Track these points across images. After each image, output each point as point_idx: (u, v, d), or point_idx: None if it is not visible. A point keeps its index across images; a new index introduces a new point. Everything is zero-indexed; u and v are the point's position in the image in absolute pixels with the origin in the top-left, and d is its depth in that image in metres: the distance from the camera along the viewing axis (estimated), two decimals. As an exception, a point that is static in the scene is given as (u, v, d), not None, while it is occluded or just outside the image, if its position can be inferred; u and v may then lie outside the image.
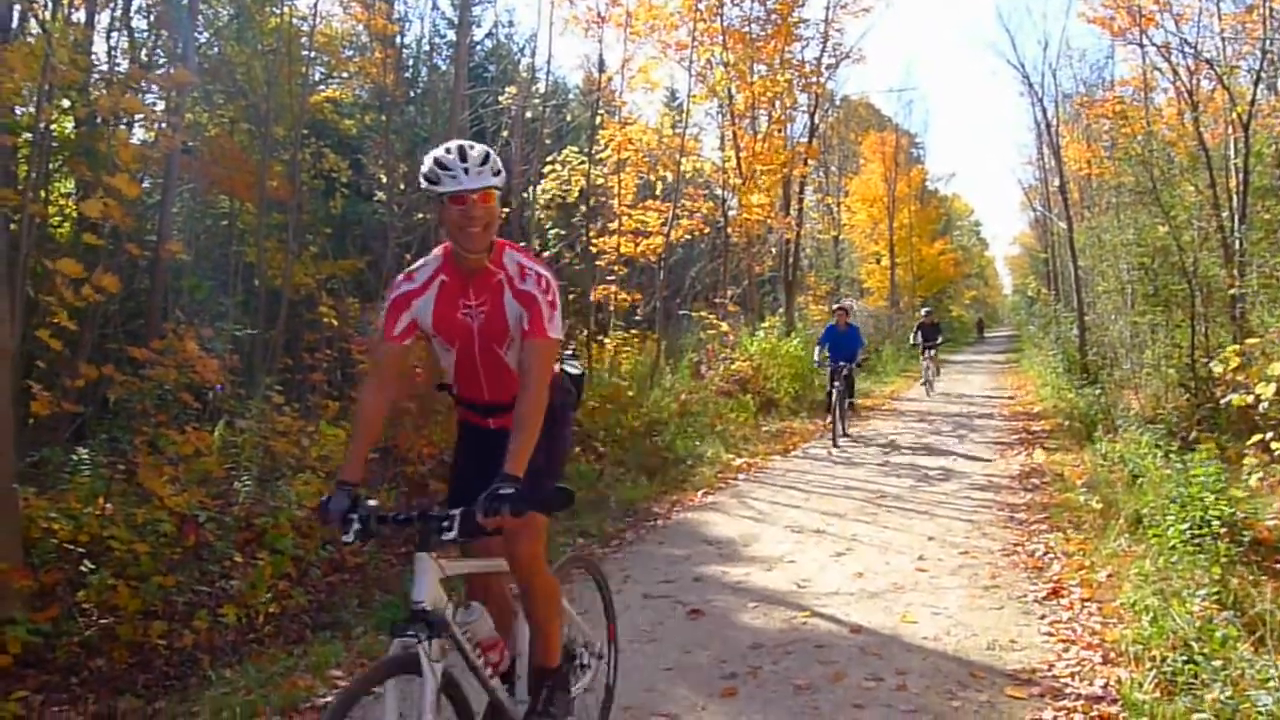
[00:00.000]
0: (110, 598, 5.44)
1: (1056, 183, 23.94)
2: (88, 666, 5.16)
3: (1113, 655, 4.75)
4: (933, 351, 20.79)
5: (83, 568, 5.66)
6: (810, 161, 24.69)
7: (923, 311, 23.24)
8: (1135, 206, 15.92)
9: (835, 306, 16.27)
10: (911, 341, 22.50)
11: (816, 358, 14.07)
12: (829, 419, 13.27)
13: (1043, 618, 5.45)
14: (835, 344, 13.78)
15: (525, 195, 18.54)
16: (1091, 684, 4.41)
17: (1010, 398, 20.35)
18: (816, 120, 24.23)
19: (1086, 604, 5.65)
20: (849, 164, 40.99)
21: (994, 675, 4.57)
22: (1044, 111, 22.72)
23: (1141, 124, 19.19)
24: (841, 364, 13.42)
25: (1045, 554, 6.88)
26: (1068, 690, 4.36)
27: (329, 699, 4.56)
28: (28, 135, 9.47)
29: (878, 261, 39.96)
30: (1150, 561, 5.85)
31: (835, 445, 12.64)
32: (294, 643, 5.63)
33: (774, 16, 19.60)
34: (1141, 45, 17.48)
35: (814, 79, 21.34)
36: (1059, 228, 25.16)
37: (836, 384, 13.22)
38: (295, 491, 6.98)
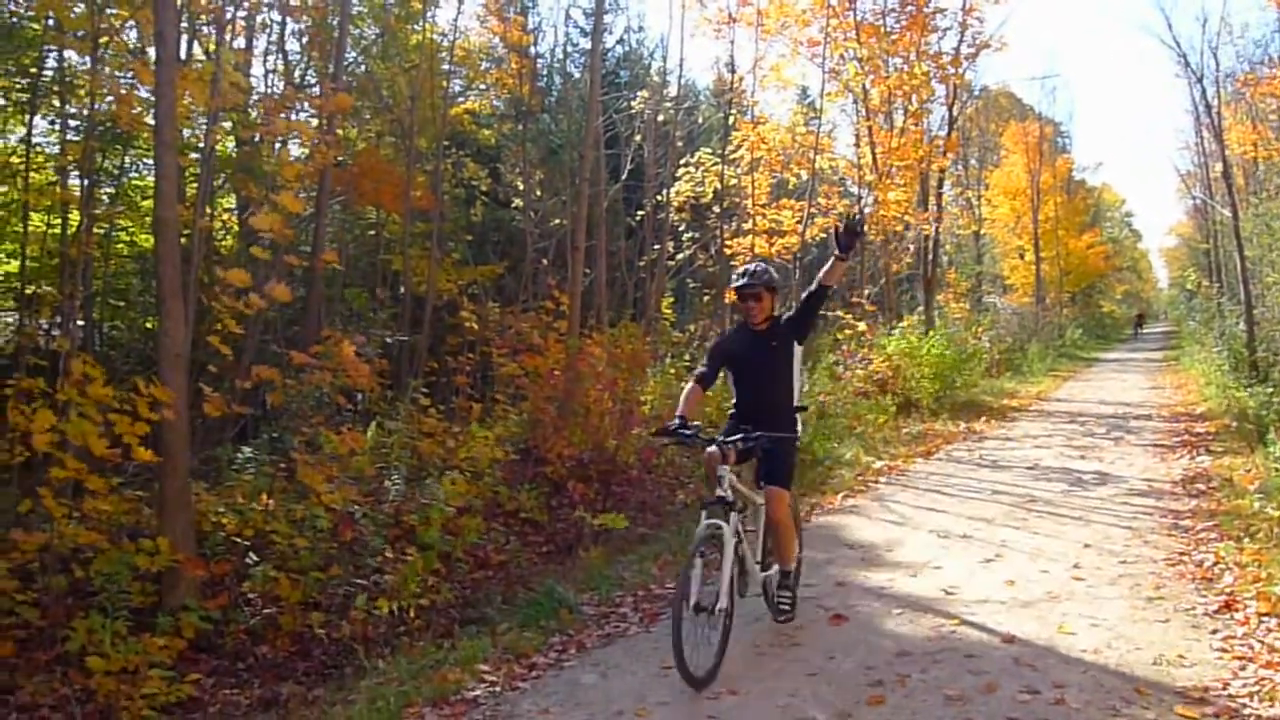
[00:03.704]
0: (273, 589, 5.74)
1: (1218, 168, 22.51)
2: (253, 653, 5.47)
3: (1297, 675, 4.43)
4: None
5: (248, 560, 6.00)
6: (949, 155, 23.96)
7: (739, 279, 5.38)
8: (1309, 191, 14.82)
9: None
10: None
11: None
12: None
13: (1214, 632, 5.12)
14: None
15: (659, 198, 18.66)
16: (1274, 705, 4.13)
17: (1169, 398, 19.28)
18: (955, 112, 23.50)
19: (1265, 619, 5.25)
20: (989, 156, 39.63)
21: (1161, 692, 4.32)
22: (1203, 93, 21.32)
23: (1315, 102, 17.88)
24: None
25: (1215, 564, 6.45)
26: (1246, 711, 4.09)
27: (477, 692, 4.71)
28: (195, 155, 10.12)
29: (1021, 256, 38.46)
30: (1337, 573, 5.44)
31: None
32: (442, 636, 5.80)
33: (909, 8, 19.11)
34: (1314, 18, 16.24)
35: (952, 70, 20.69)
36: (1222, 216, 23.67)
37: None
38: (443, 490, 7.21)
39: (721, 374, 5.38)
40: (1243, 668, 4.58)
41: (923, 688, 4.48)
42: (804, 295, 5.33)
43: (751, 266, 5.32)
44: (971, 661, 4.80)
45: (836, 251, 5.13)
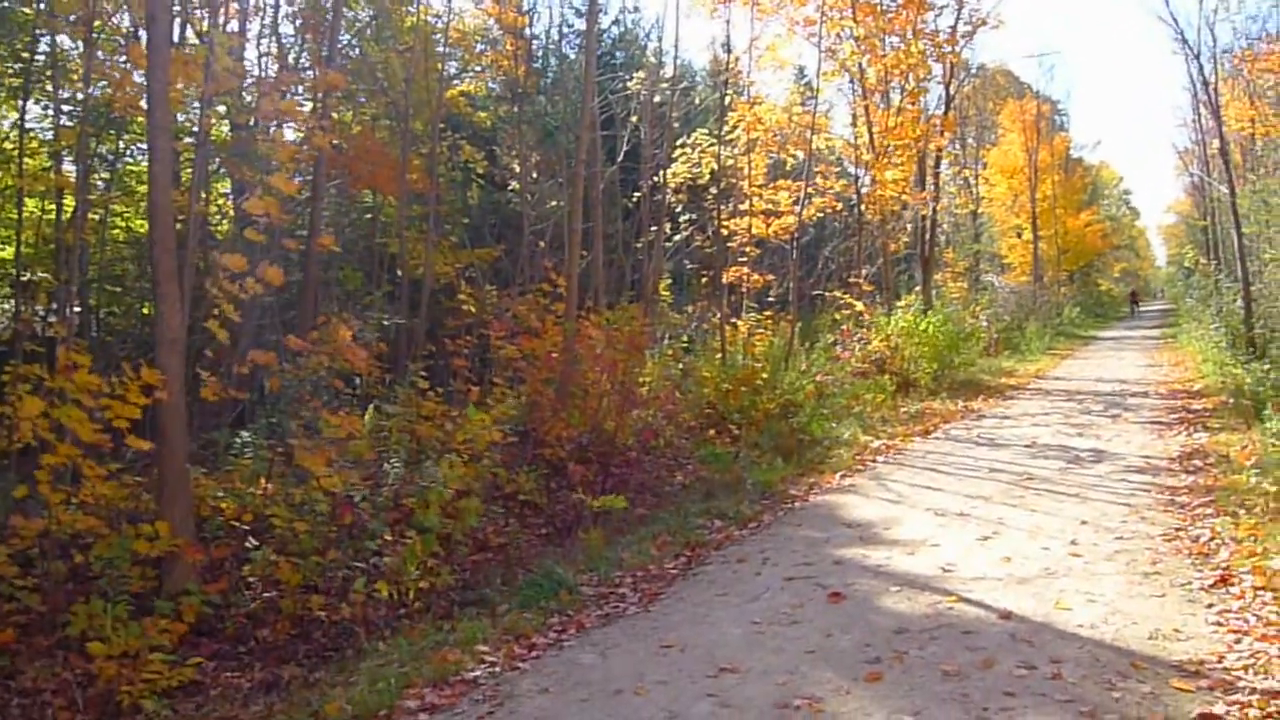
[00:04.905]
0: (273, 572, 5.76)
1: (1216, 144, 22.43)
2: (254, 637, 5.49)
3: (1292, 648, 4.46)
4: None
5: (247, 544, 6.01)
6: (946, 134, 23.88)
7: None
8: (1307, 167, 14.80)
9: None
10: None
11: None
12: None
13: (1210, 607, 5.15)
14: None
15: (656, 179, 18.61)
16: (1268, 678, 4.16)
17: (1166, 375, 19.29)
18: (952, 91, 23.42)
19: (1260, 593, 5.28)
20: (987, 135, 39.51)
21: (1157, 666, 4.35)
22: (1200, 69, 21.22)
23: (1313, 77, 17.83)
24: None
25: (1211, 539, 6.48)
26: (1240, 684, 4.11)
27: (476, 673, 4.73)
28: (189, 139, 10.07)
29: (1019, 235, 38.41)
30: (1332, 547, 5.47)
31: None
32: (442, 618, 5.83)
33: (906, -15, 19.00)
34: (1312, -8, 16.15)
35: (948, 48, 20.58)
36: (1219, 192, 23.64)
37: None
38: (441, 473, 7.22)
39: None
40: (1238, 641, 4.61)
41: (920, 664, 4.51)
42: None
43: None
44: (969, 638, 4.82)
45: None
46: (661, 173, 18.44)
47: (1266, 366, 13.73)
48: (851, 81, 20.46)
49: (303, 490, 6.34)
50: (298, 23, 15.43)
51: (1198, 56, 20.75)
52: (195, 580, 5.50)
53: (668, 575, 6.43)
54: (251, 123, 11.52)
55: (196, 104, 9.37)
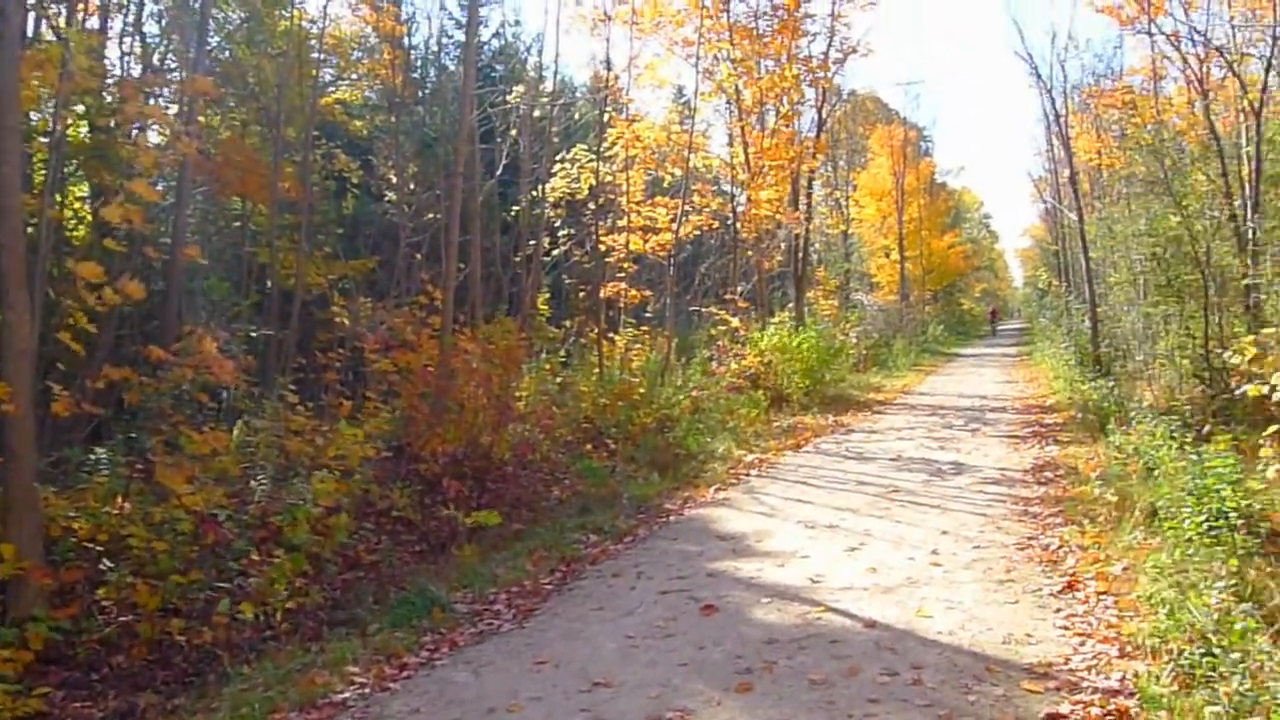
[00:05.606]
0: (129, 595, 5.50)
1: (1066, 174, 23.77)
2: (108, 663, 5.23)
3: (1129, 649, 4.75)
4: None
5: (102, 566, 5.72)
6: (818, 156, 24.60)
7: None
8: (1146, 196, 15.80)
9: None
10: None
11: None
12: None
13: (1058, 611, 5.43)
14: None
15: (535, 193, 18.59)
16: (1108, 677, 4.41)
17: (1022, 391, 20.26)
18: (824, 115, 24.15)
19: (1102, 597, 5.62)
20: (857, 158, 40.83)
21: (1010, 669, 4.57)
22: (1053, 103, 22.51)
23: (1151, 113, 19.16)
24: None
25: (1060, 548, 6.84)
26: (1084, 684, 4.36)
27: (345, 694, 4.63)
28: (44, 140, 9.56)
29: (887, 255, 39.79)
30: (1167, 554, 5.81)
31: None
32: (311, 640, 5.68)
33: (780, 11, 19.55)
34: (1150, 34, 17.32)
35: (821, 73, 21.26)
36: (1069, 219, 25.03)
37: None
38: (312, 490, 7.03)
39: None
40: (1082, 643, 4.88)
41: (789, 674, 4.62)
42: None
43: None
44: (835, 647, 4.97)
45: None
46: (541, 187, 18.46)
47: (1110, 383, 14.55)
48: (728, 102, 20.88)
49: (163, 509, 6.07)
50: (164, 22, 14.86)
51: (1050, 91, 22.00)
52: (43, 605, 5.21)
53: (543, 591, 6.41)
54: (113, 125, 11.00)
55: (52, 103, 8.91)
